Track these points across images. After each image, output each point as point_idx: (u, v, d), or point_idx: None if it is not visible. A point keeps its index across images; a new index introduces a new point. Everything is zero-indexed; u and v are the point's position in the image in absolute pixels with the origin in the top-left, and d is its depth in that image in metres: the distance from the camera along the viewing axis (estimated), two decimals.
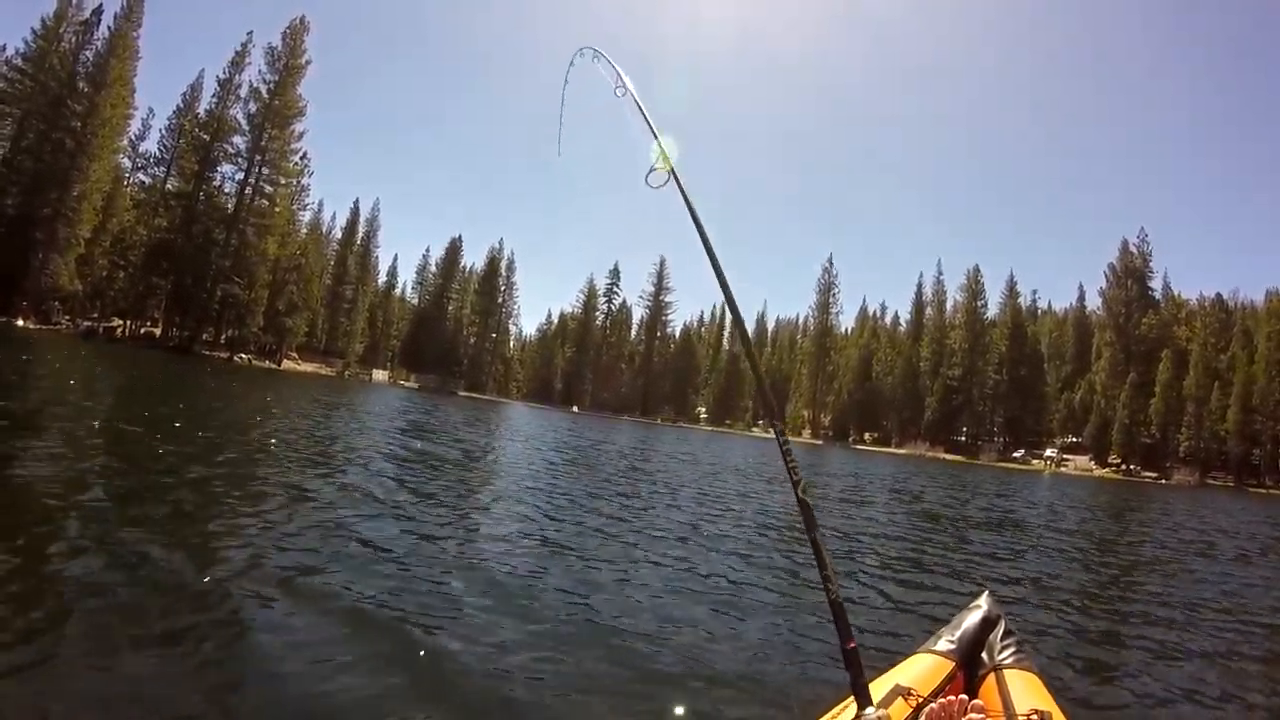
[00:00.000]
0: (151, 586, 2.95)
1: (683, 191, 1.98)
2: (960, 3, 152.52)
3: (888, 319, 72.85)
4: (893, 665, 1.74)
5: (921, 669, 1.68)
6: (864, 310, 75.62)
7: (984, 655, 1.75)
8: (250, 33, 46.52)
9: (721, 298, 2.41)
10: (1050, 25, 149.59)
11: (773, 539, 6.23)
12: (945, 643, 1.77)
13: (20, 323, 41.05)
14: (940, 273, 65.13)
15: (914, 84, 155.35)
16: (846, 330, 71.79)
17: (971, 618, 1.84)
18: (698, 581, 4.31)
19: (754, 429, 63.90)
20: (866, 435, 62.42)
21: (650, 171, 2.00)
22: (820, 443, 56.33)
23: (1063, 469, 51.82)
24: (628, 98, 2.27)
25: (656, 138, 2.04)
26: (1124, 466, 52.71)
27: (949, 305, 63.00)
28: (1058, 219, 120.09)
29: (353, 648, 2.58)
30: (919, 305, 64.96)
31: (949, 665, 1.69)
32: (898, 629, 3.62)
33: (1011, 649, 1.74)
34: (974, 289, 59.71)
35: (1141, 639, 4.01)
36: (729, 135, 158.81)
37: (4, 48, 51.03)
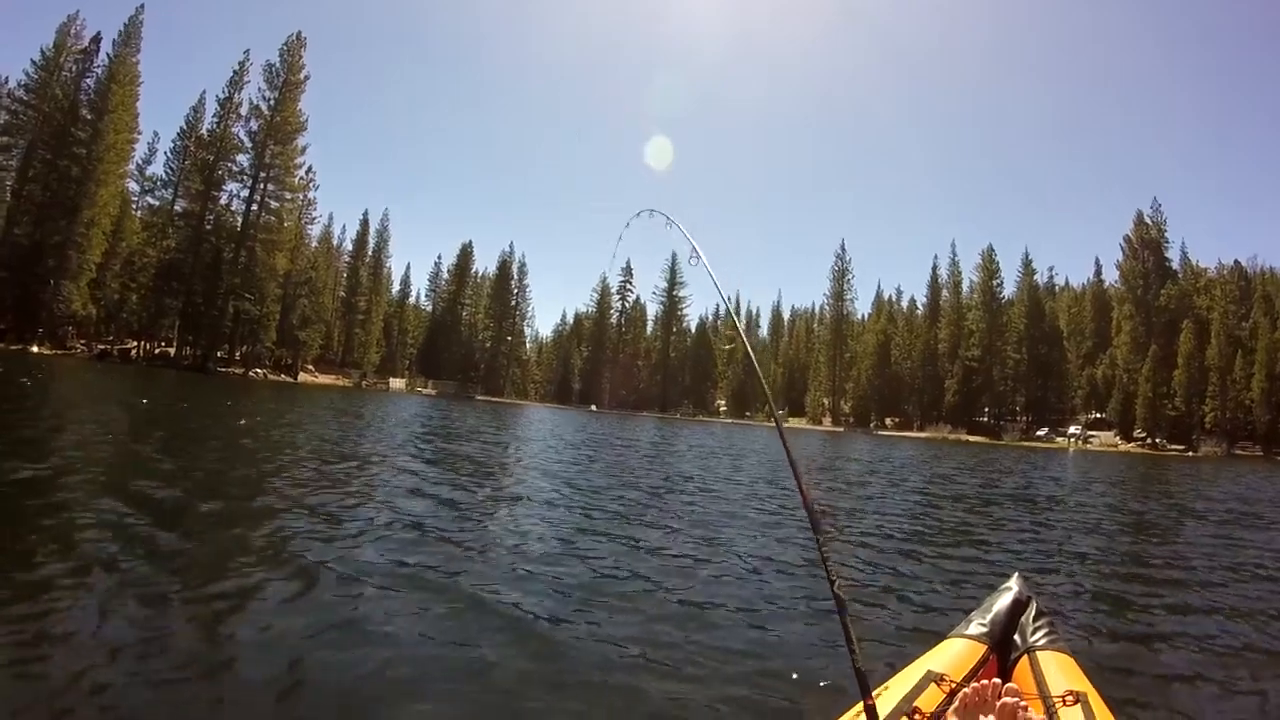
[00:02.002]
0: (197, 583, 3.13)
1: (749, 352, 2.49)
2: None
3: (904, 303, 71.84)
4: (925, 651, 1.73)
5: (954, 654, 1.67)
6: (879, 296, 74.81)
7: (1016, 638, 1.74)
8: (247, 51, 46.79)
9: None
10: None
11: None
12: (977, 626, 1.76)
13: (35, 349, 41.29)
14: (955, 254, 64.31)
15: (919, 65, 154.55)
16: (863, 317, 71.16)
17: (1002, 600, 1.82)
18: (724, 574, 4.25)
19: (771, 420, 63.05)
20: (888, 420, 61.85)
21: (728, 346, 2.13)
22: (841, 430, 55.88)
23: (1087, 445, 50.98)
24: (700, 267, 2.51)
25: (729, 309, 2.42)
26: (1150, 441, 51.81)
27: (965, 286, 62.24)
28: (1070, 194, 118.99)
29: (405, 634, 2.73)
30: (935, 288, 64.22)
31: (981, 649, 1.68)
32: (929, 613, 3.55)
33: (1044, 630, 1.73)
34: (989, 268, 58.94)
35: (1177, 614, 3.87)
36: (738, 125, 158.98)
37: (6, 80, 51.72)
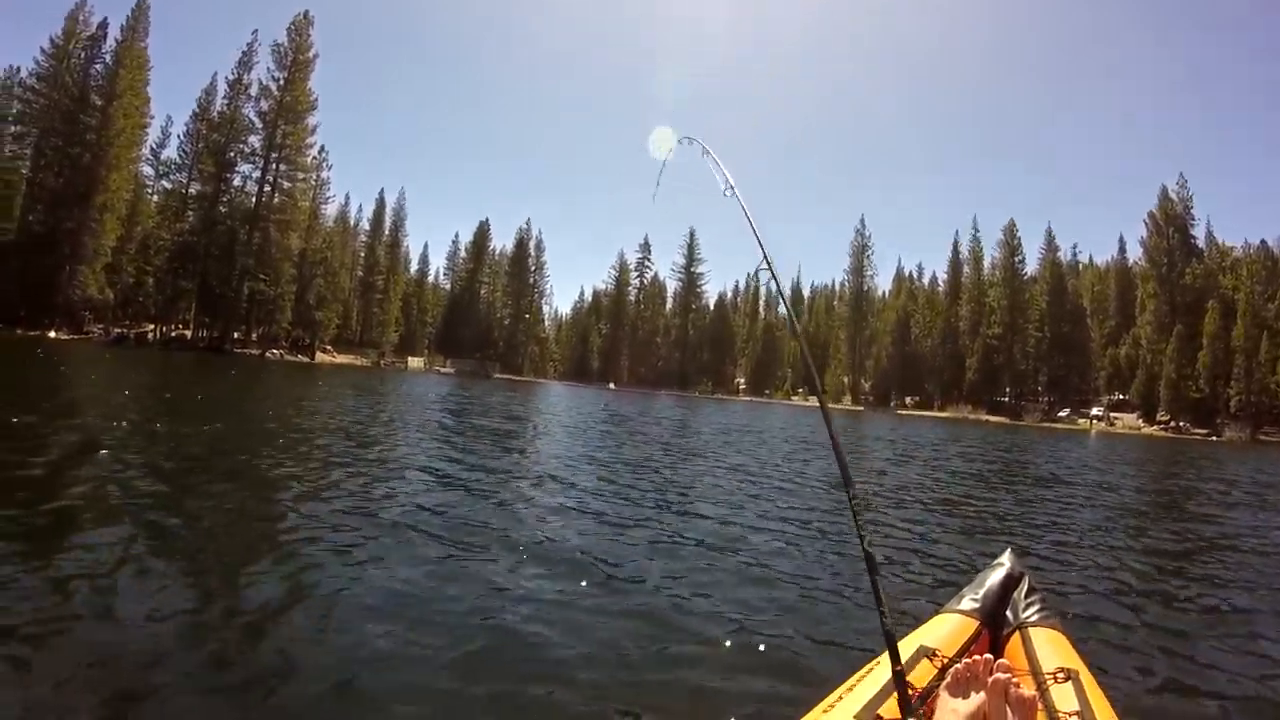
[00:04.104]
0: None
1: (778, 287, 2.12)
2: None
3: (925, 280, 70.16)
4: (917, 626, 1.72)
5: (946, 629, 1.67)
6: (900, 272, 72.74)
7: (1008, 614, 1.73)
8: (255, 31, 46.55)
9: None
10: None
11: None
12: (969, 602, 1.75)
13: (52, 334, 41.40)
14: (976, 230, 62.94)
15: (941, 40, 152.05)
16: (883, 294, 70.01)
17: (994, 576, 1.82)
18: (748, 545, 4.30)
19: (794, 397, 63.01)
20: (908, 399, 61.06)
21: (756, 272, 1.96)
22: (861, 409, 55.31)
23: (1110, 427, 50.07)
24: (733, 199, 2.40)
25: (764, 250, 2.15)
26: (1173, 424, 50.74)
27: (986, 263, 61.15)
28: (1095, 168, 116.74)
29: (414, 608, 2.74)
30: (955, 264, 63.07)
31: (973, 624, 1.68)
32: (923, 587, 3.55)
33: (1036, 607, 1.72)
34: (1011, 244, 57.83)
35: (1175, 595, 3.86)
36: (759, 101, 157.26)
37: (18, 69, 51.70)
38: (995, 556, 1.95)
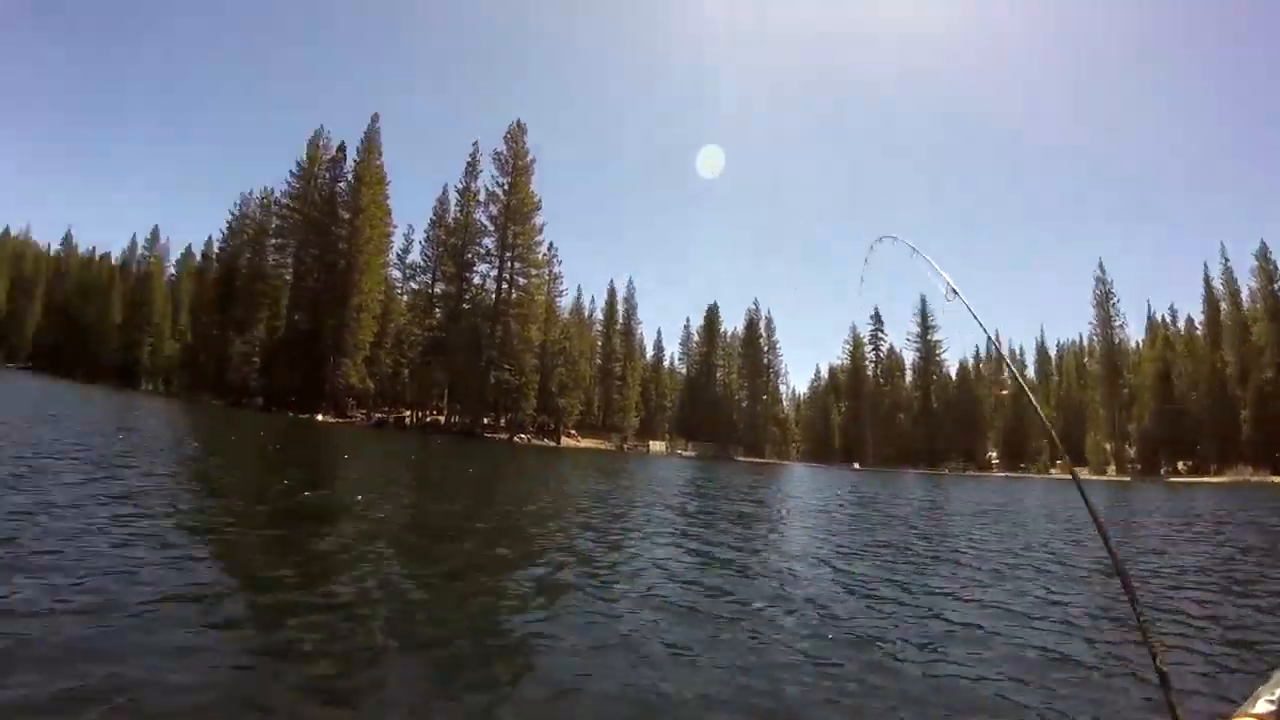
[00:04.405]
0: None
1: (1024, 389, 2.23)
2: None
3: (1180, 324, 62.00)
4: None
5: None
6: (1151, 319, 64.07)
7: None
8: (476, 142, 51.38)
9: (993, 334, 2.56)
10: None
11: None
12: (1264, 703, 1.58)
13: (320, 417, 47.32)
14: (1226, 259, 55.10)
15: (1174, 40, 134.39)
16: (1137, 344, 62.59)
17: None
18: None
19: (1052, 470, 57.72)
20: (1180, 464, 54.14)
21: (994, 382, 1.60)
22: (1128, 479, 49.68)
23: None
24: (956, 302, 2.25)
25: (994, 343, 2.15)
26: None
27: (1245, 295, 53.13)
28: None
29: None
30: (1210, 301, 55.73)
31: None
32: (1212, 682, 3.31)
33: None
34: (1266, 270, 50.25)
35: None
36: (979, 151, 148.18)
37: (272, 190, 60.23)
38: None
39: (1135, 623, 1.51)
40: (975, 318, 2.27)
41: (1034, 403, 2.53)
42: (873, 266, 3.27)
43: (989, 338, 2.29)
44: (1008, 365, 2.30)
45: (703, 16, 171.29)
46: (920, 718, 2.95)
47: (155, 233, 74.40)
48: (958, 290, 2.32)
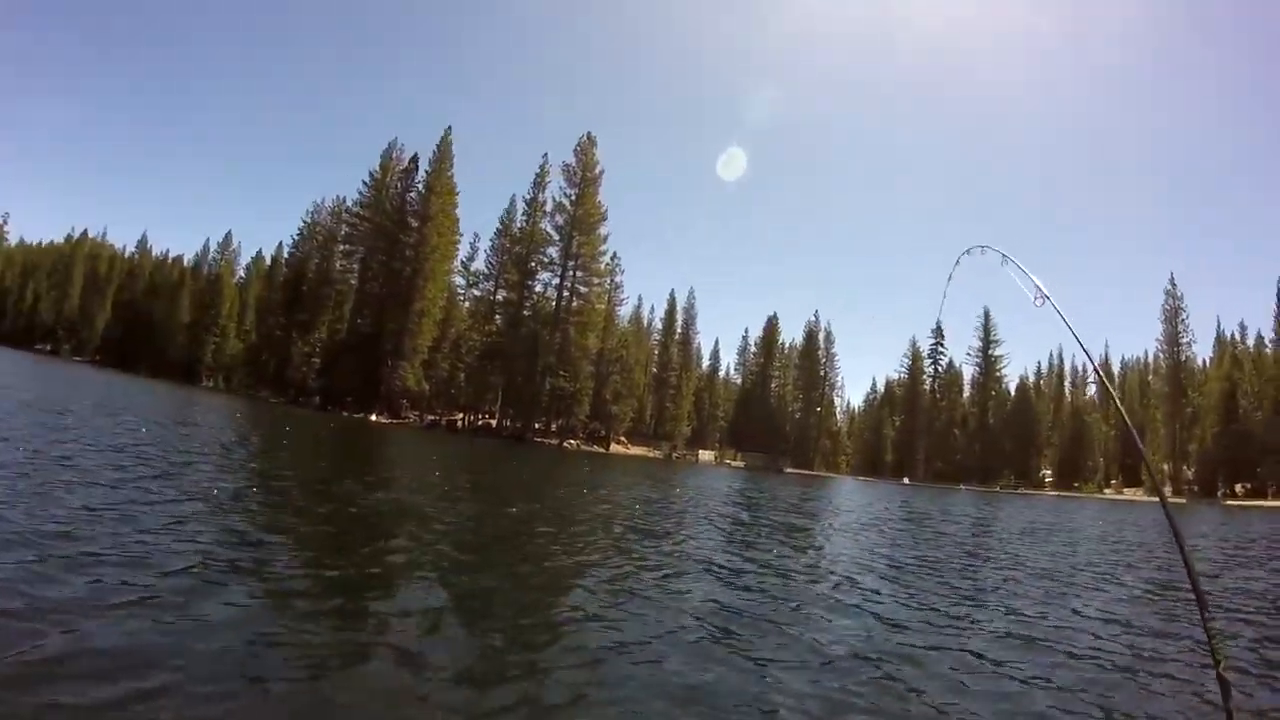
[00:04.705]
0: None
1: (1111, 395, 2.00)
2: None
3: (1249, 341, 60.46)
4: None
5: None
6: (1220, 335, 62.90)
7: None
8: (545, 154, 53.22)
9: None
10: None
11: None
12: None
13: (374, 418, 48.02)
14: None
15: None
16: (1204, 362, 61.11)
17: None
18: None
19: (1106, 490, 57.16)
20: (1238, 487, 52.57)
21: (1088, 385, 1.48)
22: (1183, 500, 47.54)
23: None
24: (1047, 308, 2.21)
25: (1085, 351, 2.01)
26: None
27: None
28: None
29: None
30: None
31: None
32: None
33: None
34: None
35: None
36: (1052, 158, 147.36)
37: (344, 199, 63.04)
38: None
39: (1202, 629, 1.48)
40: (1066, 323, 2.22)
41: (1127, 421, 2.48)
42: (956, 280, 3.20)
43: (1081, 347, 2.20)
44: (1099, 376, 2.24)
45: (751, 20, 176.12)
46: None
47: (228, 237, 78.05)
48: (1049, 296, 2.27)
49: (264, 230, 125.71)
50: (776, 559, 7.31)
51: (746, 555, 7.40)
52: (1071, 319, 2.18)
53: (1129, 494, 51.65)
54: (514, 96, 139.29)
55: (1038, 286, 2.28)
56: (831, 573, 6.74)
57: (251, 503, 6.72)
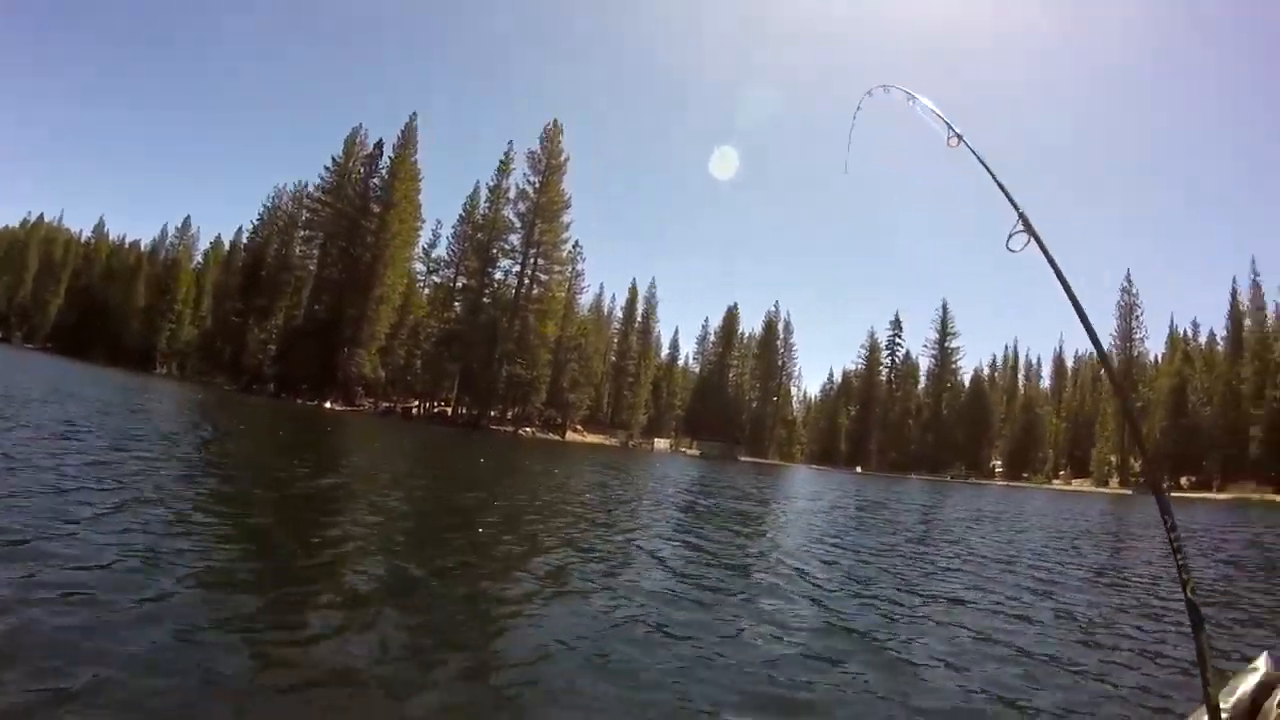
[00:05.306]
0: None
1: (1046, 252, 1.67)
2: None
3: (1201, 339, 61.92)
4: None
5: None
6: (1173, 332, 64.24)
7: None
8: (511, 141, 52.70)
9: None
10: None
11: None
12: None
13: (328, 405, 46.98)
14: (1256, 274, 54.60)
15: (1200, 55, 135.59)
16: (1156, 358, 62.59)
17: (1248, 681, 1.72)
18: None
19: (1054, 481, 58.50)
20: (1183, 480, 54.02)
21: (1010, 236, 1.73)
22: (1130, 492, 49.14)
23: None
24: (962, 148, 1.99)
25: (1011, 199, 1.74)
26: None
27: (1270, 311, 52.57)
28: None
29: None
30: (1235, 317, 55.10)
31: None
32: (1172, 689, 3.37)
33: None
34: None
35: None
36: (1003, 149, 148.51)
37: (305, 184, 61.91)
38: (1250, 659, 1.83)
39: (1176, 567, 1.48)
40: (984, 164, 2.00)
41: (1104, 355, 2.23)
42: (865, 126, 2.92)
43: (1002, 190, 1.90)
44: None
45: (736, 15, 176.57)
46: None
47: (187, 222, 76.24)
48: (961, 135, 2.07)
49: (225, 216, 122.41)
50: (728, 548, 7.31)
51: (699, 544, 7.32)
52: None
53: (1076, 485, 53.05)
54: (485, 82, 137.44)
55: (948, 125, 2.09)
56: (782, 562, 6.76)
57: (195, 491, 6.47)
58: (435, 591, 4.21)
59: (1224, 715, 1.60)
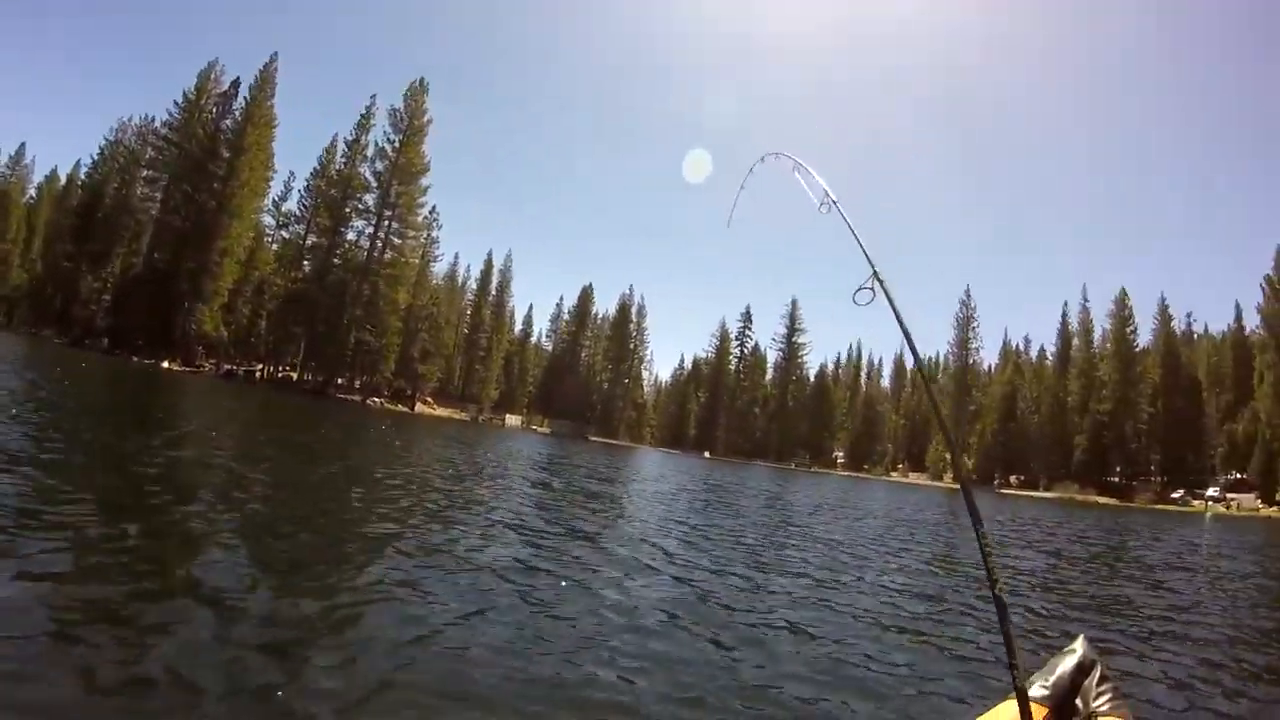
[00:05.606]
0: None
1: (892, 305, 1.94)
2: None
3: (1032, 353, 68.38)
4: (984, 711, 1.72)
5: (1013, 716, 1.60)
6: (1006, 345, 70.80)
7: (1078, 702, 1.72)
8: (374, 96, 48.99)
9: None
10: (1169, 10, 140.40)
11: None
12: (1039, 688, 1.73)
13: (166, 364, 43.58)
14: (1086, 300, 60.39)
15: (1048, 99, 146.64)
16: (989, 367, 68.31)
17: (1066, 662, 1.79)
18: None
19: (893, 474, 61.84)
20: (1012, 479, 58.93)
21: (858, 290, 1.97)
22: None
23: (1225, 509, 46.54)
24: (834, 213, 2.26)
25: (869, 259, 1.99)
26: None
27: (1097, 334, 58.65)
28: (1210, 231, 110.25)
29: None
30: (1065, 335, 60.82)
31: (1043, 711, 1.66)
32: (992, 672, 3.48)
33: (1108, 695, 1.71)
34: (1122, 315, 55.39)
35: (1254, 690, 3.77)
36: (857, 167, 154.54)
37: (152, 119, 55.78)
38: (1069, 642, 1.90)
39: (980, 552, 1.53)
40: (852, 230, 2.21)
41: (936, 401, 2.54)
42: (750, 190, 3.16)
43: (866, 256, 2.05)
44: (912, 347, 1.94)
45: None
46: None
47: (21, 151, 67.59)
48: (834, 199, 2.28)
49: (69, 147, 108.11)
50: (581, 525, 7.29)
51: (553, 521, 7.25)
52: (859, 231, 2.17)
53: (913, 478, 56.93)
54: (353, 35, 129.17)
55: (825, 191, 2.30)
56: (642, 540, 6.76)
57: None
58: (273, 577, 3.81)
59: (1045, 693, 1.71)
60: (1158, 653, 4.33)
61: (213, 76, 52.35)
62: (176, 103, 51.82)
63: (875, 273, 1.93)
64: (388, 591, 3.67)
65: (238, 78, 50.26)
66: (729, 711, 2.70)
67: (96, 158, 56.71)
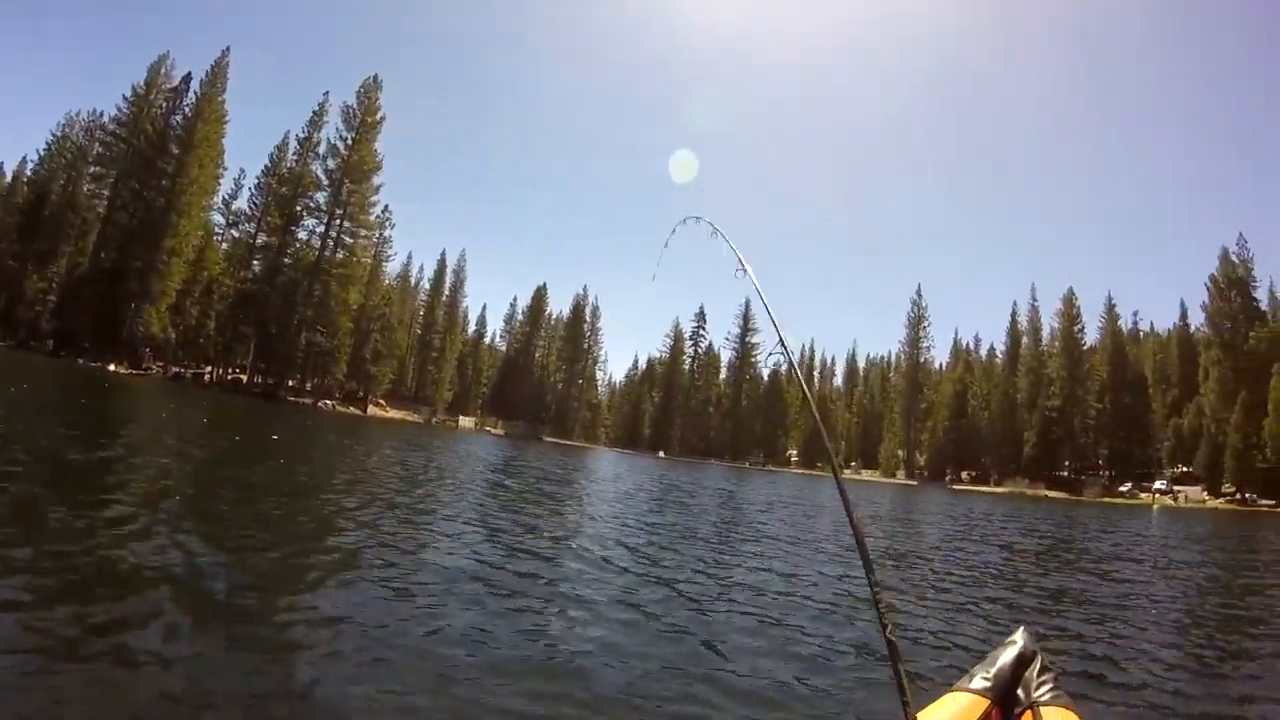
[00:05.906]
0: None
1: (791, 363, 2.23)
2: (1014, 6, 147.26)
3: (982, 351, 69.89)
4: (926, 704, 1.70)
5: (956, 708, 1.65)
6: (957, 344, 72.12)
7: (1020, 693, 1.73)
8: (327, 93, 48.21)
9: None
10: (1120, 12, 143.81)
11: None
12: (980, 680, 1.74)
13: (112, 367, 42.55)
14: (1035, 300, 61.74)
15: (985, 100, 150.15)
16: (940, 365, 69.18)
17: (1007, 654, 1.81)
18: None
19: (846, 471, 61.92)
20: (964, 474, 59.90)
21: (769, 356, 2.28)
22: (915, 483, 54.28)
23: (1173, 501, 47.90)
24: (746, 280, 2.37)
25: (776, 327, 2.12)
26: (1239, 495, 48.32)
27: (1045, 333, 59.89)
28: (1156, 232, 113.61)
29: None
30: (1014, 334, 61.96)
31: (984, 703, 1.68)
32: (935, 665, 3.54)
33: (1049, 686, 1.73)
34: (1070, 313, 56.63)
35: (1194, 679, 3.83)
36: (809, 172, 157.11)
37: (100, 114, 54.31)
38: (1009, 634, 1.94)
39: (871, 599, 1.59)
40: (758, 290, 2.32)
41: (809, 398, 2.42)
42: (673, 248, 3.33)
43: (771, 317, 2.21)
44: (788, 355, 2.14)
45: None
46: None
47: None
48: (746, 266, 2.38)
49: (16, 142, 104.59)
50: (537, 527, 7.30)
51: (509, 522, 7.28)
52: (766, 294, 2.25)
53: (866, 475, 57.67)
54: (308, 28, 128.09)
55: (739, 259, 2.40)
56: (602, 538, 6.87)
57: None
58: (219, 577, 3.82)
59: (986, 685, 1.71)
60: (1101, 642, 4.41)
61: (163, 70, 51.28)
62: (125, 97, 50.68)
63: (781, 339, 2.13)
64: (349, 606, 3.58)
65: (189, 72, 49.23)
66: (687, 698, 2.82)
67: (43, 153, 55.18)
